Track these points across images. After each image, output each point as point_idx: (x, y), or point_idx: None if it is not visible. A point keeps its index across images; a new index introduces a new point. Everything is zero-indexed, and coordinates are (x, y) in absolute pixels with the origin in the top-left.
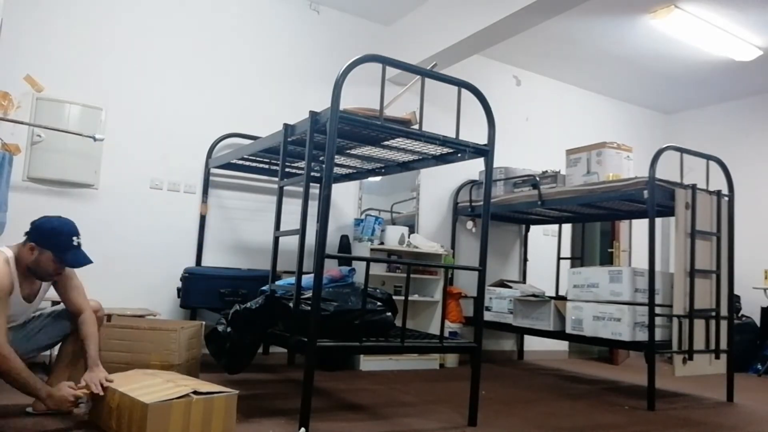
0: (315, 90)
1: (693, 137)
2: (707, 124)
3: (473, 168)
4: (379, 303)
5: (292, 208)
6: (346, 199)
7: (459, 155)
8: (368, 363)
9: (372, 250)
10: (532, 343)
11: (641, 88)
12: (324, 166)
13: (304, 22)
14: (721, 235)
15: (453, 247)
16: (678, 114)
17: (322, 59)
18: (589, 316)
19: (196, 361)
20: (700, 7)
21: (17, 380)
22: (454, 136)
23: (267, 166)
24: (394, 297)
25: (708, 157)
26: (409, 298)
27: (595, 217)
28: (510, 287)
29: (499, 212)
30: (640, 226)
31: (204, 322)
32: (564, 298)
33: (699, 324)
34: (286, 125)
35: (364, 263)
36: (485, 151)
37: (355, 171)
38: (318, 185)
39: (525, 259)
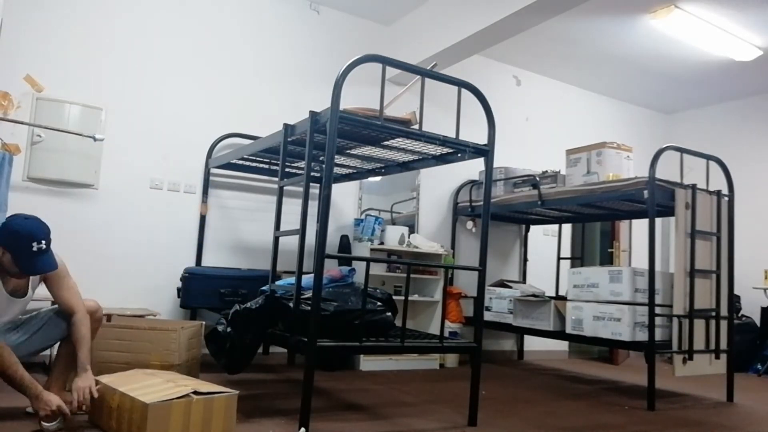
0: (315, 90)
1: (693, 137)
2: (707, 124)
3: (473, 168)
4: (379, 303)
5: (292, 208)
6: (346, 199)
7: (459, 155)
8: (368, 363)
9: (372, 250)
10: (532, 343)
11: (641, 88)
12: (324, 166)
13: (304, 22)
14: (721, 235)
15: (453, 247)
16: (678, 114)
17: (322, 59)
18: (589, 316)
19: (196, 361)
20: (700, 7)
21: (11, 377)
22: (454, 136)
23: (267, 166)
24: (394, 297)
25: (708, 157)
26: (409, 298)
27: (595, 217)
28: (510, 287)
29: (499, 212)
30: (640, 226)
31: (204, 322)
32: (564, 298)
33: (699, 324)
34: (286, 125)
35: (364, 263)
36: (485, 151)
37: (355, 171)
38: (318, 185)
39: (525, 259)
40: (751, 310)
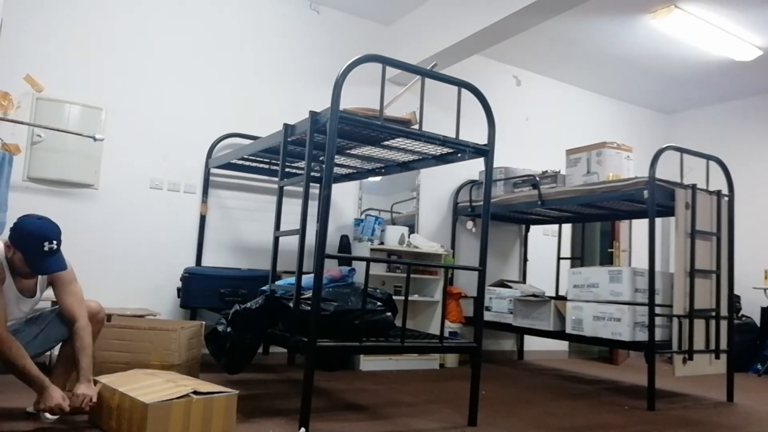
0: (315, 90)
1: (693, 137)
2: (707, 124)
3: (473, 168)
4: (379, 303)
5: (292, 208)
6: (346, 199)
7: (459, 155)
8: (368, 363)
9: (372, 250)
10: (532, 343)
11: (641, 88)
12: (324, 166)
13: (304, 22)
14: (721, 235)
15: (453, 247)
16: (678, 114)
17: (322, 59)
18: (589, 316)
19: (196, 361)
20: (700, 7)
21: (20, 371)
22: (454, 136)
23: (267, 166)
24: (394, 297)
25: (708, 157)
26: (409, 298)
27: (595, 217)
28: (510, 287)
29: (499, 212)
30: (640, 226)
31: (204, 322)
32: (564, 298)
33: (699, 324)
34: (286, 125)
35: (364, 263)
36: (485, 151)
37: (355, 171)
38: (318, 185)
39: (525, 259)
40: (751, 310)
